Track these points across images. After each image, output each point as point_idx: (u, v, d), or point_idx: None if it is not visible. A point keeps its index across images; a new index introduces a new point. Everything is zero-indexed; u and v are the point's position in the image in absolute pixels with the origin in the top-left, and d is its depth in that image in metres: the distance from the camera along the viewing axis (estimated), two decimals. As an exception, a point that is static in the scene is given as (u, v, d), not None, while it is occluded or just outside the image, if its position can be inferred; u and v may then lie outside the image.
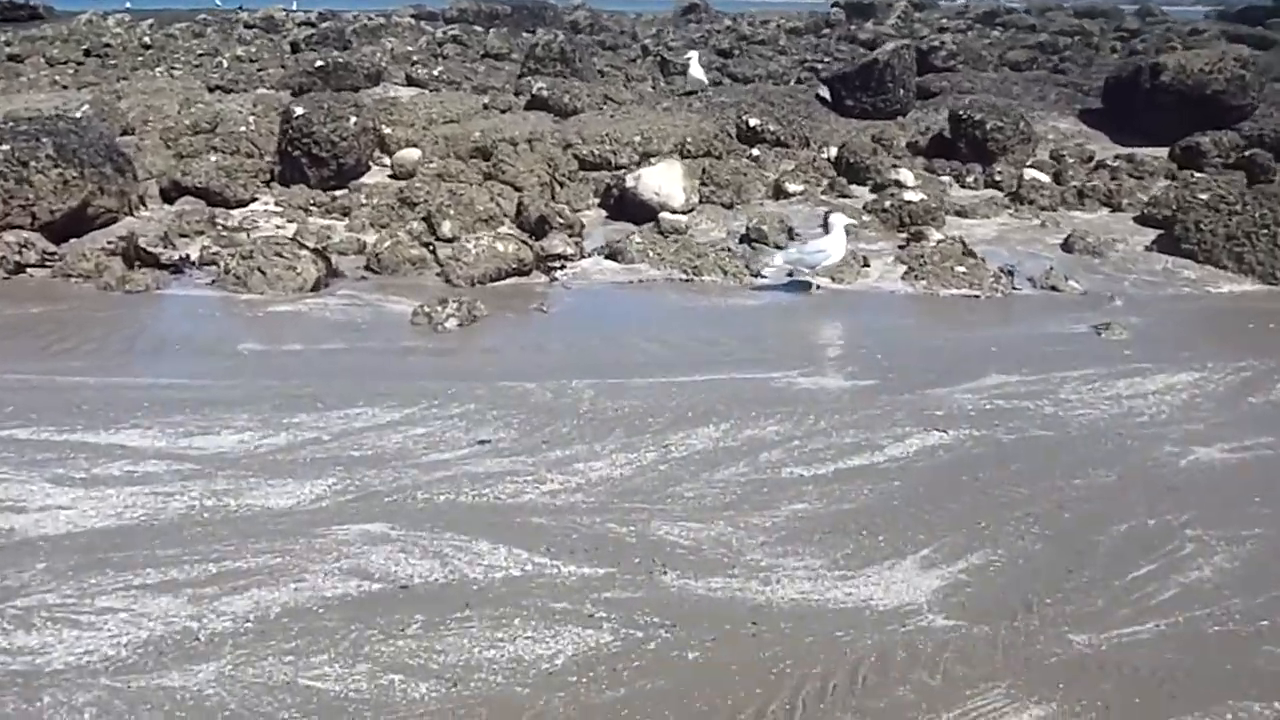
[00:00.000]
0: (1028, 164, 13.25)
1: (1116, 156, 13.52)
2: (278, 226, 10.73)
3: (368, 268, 9.29)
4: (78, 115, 13.38)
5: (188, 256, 9.53)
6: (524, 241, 9.31)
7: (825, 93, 16.31)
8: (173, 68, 19.42)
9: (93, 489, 5.17)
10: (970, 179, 12.81)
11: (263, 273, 8.68)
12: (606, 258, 9.64)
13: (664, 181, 11.06)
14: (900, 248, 9.79)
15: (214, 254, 9.49)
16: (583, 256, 9.73)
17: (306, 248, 9.02)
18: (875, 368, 6.90)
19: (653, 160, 12.60)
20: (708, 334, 7.55)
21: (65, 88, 17.61)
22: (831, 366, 6.93)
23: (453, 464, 5.48)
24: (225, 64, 19.55)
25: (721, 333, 7.58)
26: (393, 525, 4.84)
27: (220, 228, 10.56)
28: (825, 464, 5.50)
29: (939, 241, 9.30)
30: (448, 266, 8.98)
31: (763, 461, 5.53)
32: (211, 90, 16.57)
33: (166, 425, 5.91)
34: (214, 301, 8.43)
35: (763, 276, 8.70)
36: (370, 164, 12.71)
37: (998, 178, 12.71)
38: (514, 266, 9.01)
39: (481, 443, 5.73)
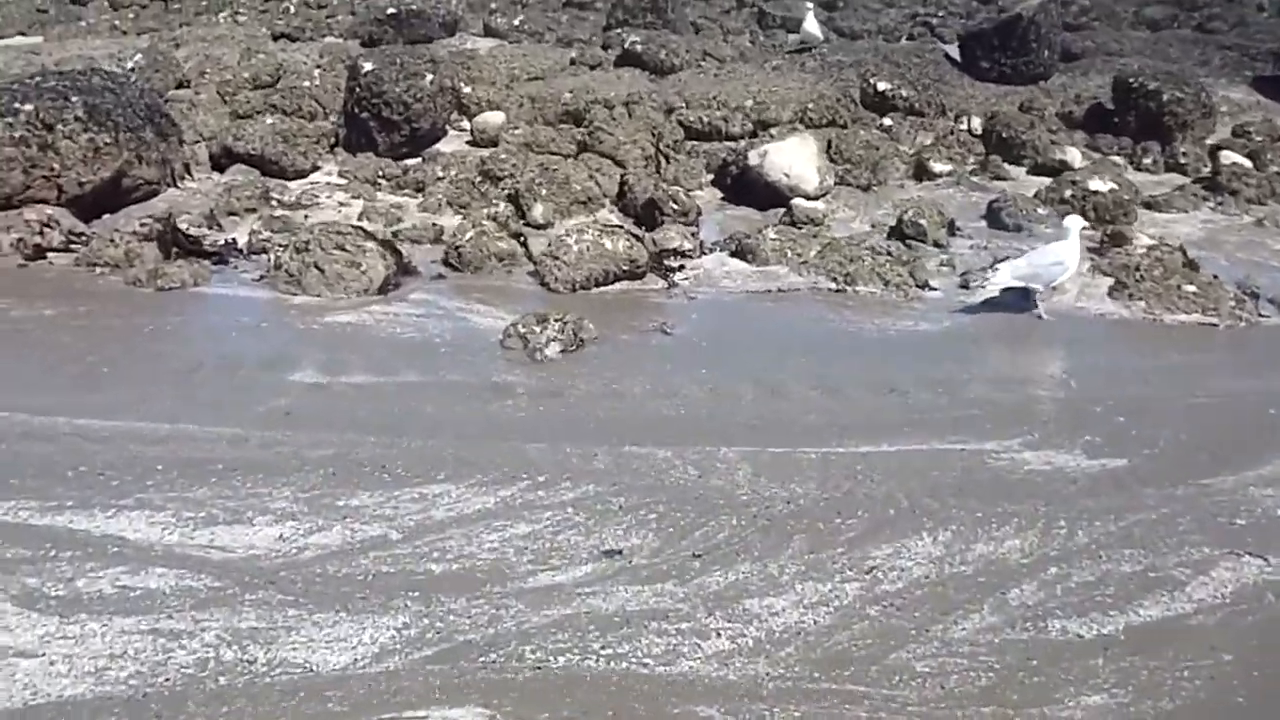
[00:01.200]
0: (1209, 142, 11.24)
1: (1318, 135, 11.41)
2: (341, 204, 9.17)
3: (446, 262, 7.69)
4: (129, 65, 11.96)
5: (234, 242, 8.00)
6: (635, 236, 7.62)
7: (954, 52, 14.26)
8: (238, 12, 17.89)
9: (70, 620, 3.66)
10: (1148, 160, 10.83)
11: (321, 270, 7.12)
12: (733, 255, 7.93)
13: (795, 160, 9.29)
14: (1095, 253, 7.94)
15: (265, 240, 7.95)
16: (703, 252, 8.03)
17: (373, 238, 7.44)
18: (1121, 437, 5.15)
19: (773, 132, 10.82)
20: (884, 375, 5.83)
21: (125, 33, 16.23)
22: (1061, 433, 5.19)
23: (572, 593, 3.88)
24: (292, 8, 17.99)
25: (901, 373, 5.86)
26: (494, 713, 3.26)
27: (275, 204, 9.03)
28: (1109, 615, 3.80)
29: (1150, 248, 7.43)
30: (544, 266, 7.34)
31: (1015, 606, 3.85)
32: (276, 39, 15.03)
33: (184, 505, 4.39)
34: (262, 306, 6.89)
35: (979, 289, 6.89)
36: (447, 128, 11.09)
37: (1181, 159, 10.72)
38: (624, 268, 7.34)
39: (610, 554, 4.12)
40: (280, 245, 7.50)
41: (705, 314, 6.83)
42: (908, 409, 5.45)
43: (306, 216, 8.68)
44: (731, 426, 5.21)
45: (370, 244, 7.30)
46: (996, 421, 5.30)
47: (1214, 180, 9.86)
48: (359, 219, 8.73)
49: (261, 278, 7.31)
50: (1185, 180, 10.23)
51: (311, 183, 9.68)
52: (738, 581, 3.96)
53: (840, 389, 5.66)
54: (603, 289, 7.27)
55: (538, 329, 6.18)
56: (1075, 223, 6.82)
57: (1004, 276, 6.77)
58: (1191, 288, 6.96)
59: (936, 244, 8.15)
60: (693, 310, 6.90)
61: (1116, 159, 10.85)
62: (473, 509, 4.43)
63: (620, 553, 4.14)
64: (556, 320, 6.23)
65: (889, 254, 7.55)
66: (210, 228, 8.42)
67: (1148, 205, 9.29)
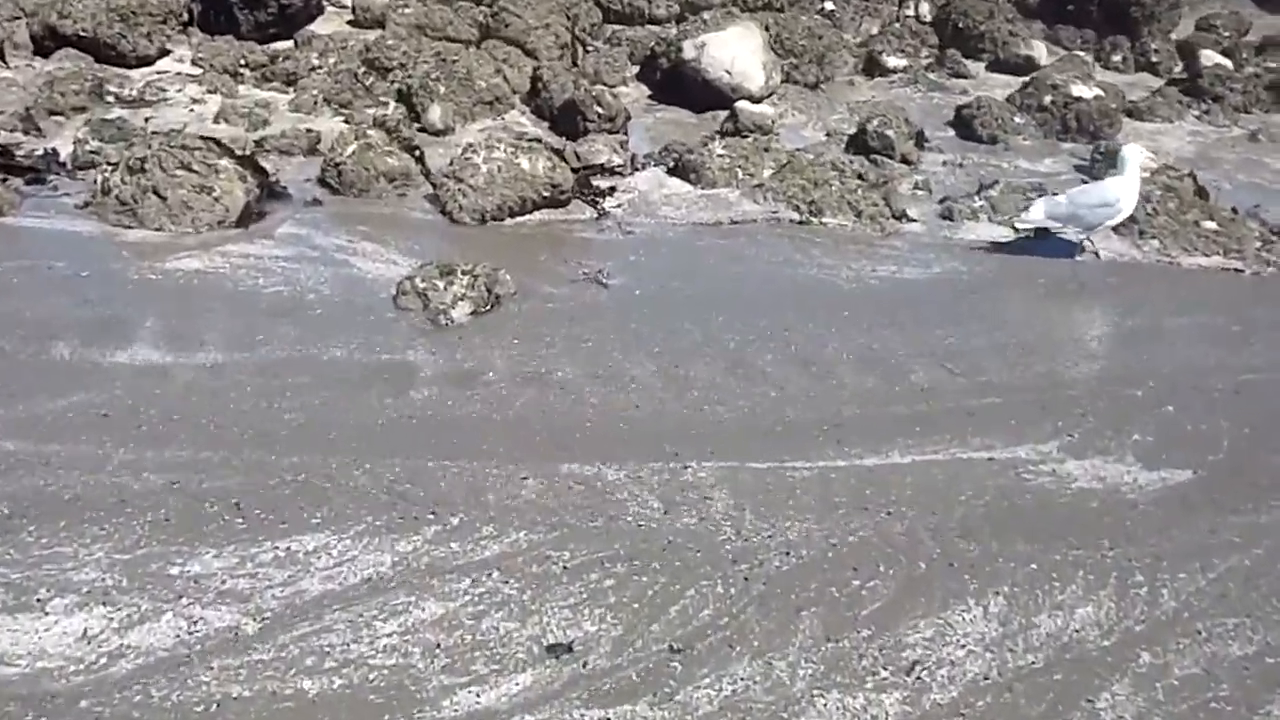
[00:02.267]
0: (1174, 37, 10.24)
1: (1296, 31, 10.48)
2: (194, 100, 7.58)
3: (323, 181, 6.26)
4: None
5: (55, 153, 6.42)
6: (556, 153, 6.27)
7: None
8: None
9: None
10: (1116, 58, 9.80)
11: (162, 197, 5.64)
12: (671, 173, 6.67)
13: (738, 54, 7.98)
14: (1087, 174, 6.90)
15: (94, 152, 6.38)
16: (634, 168, 6.74)
17: (230, 154, 5.94)
18: (1176, 434, 4.17)
19: (705, 16, 9.39)
20: (874, 344, 4.74)
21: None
22: (1104, 430, 4.18)
23: (506, 725, 2.73)
24: None
25: (895, 342, 4.77)
26: None
27: (111, 100, 7.39)
28: (1236, 738, 2.82)
29: (1156, 172, 6.40)
30: (445, 191, 5.96)
31: (1112, 724, 2.84)
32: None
33: (-60, 580, 3.08)
34: (85, 245, 5.41)
35: (1020, 227, 5.76)
36: (323, 4, 9.40)
37: (1153, 57, 9.72)
38: (544, 195, 6.01)
39: (555, 651, 2.97)
40: (111, 163, 5.95)
41: (647, 255, 5.59)
42: (912, 395, 4.36)
43: (149, 120, 7.08)
44: (698, 428, 4.05)
45: (226, 162, 5.82)
46: (1023, 414, 4.25)
47: (1195, 84, 8.86)
48: (215, 121, 7.17)
49: (87, 204, 5.78)
50: (1159, 82, 9.25)
51: (158, 72, 8.01)
52: (736, 696, 2.86)
53: (824, 365, 4.54)
54: (519, 220, 5.95)
55: (441, 284, 4.87)
56: (1135, 154, 5.60)
57: (1037, 215, 5.65)
58: (1211, 224, 5.98)
59: (905, 159, 7.00)
60: (631, 250, 5.65)
61: (1081, 54, 9.77)
62: (361, 576, 3.21)
63: (570, 648, 2.99)
64: (465, 273, 4.92)
65: (859, 176, 6.36)
66: (26, 132, 6.82)
67: (1128, 113, 8.26)
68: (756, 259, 5.59)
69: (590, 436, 3.96)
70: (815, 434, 4.06)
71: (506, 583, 3.21)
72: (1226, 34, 10.37)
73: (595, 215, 6.07)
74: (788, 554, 3.40)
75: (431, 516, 3.48)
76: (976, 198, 6.25)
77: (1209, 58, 9.22)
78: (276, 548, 3.31)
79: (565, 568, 3.29)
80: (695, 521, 3.53)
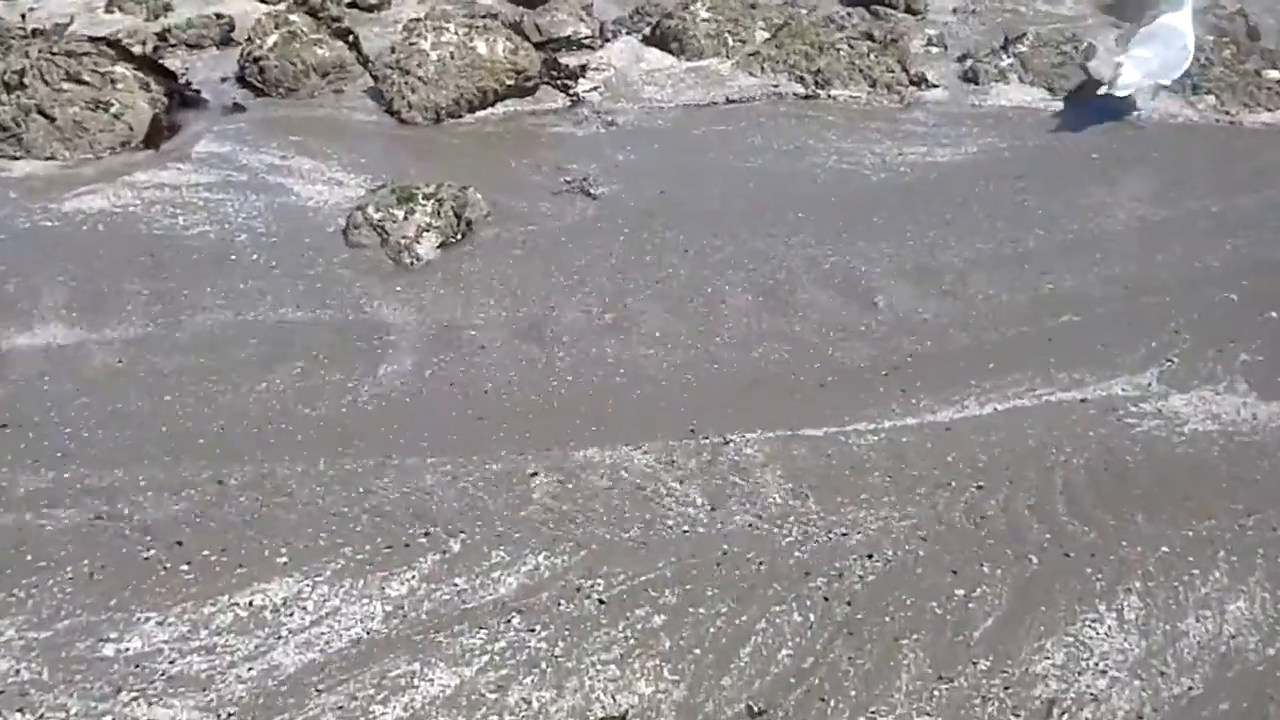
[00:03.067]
0: None
1: None
2: (78, -18, 6.42)
3: (243, 80, 5.30)
4: None
5: (-86, 64, 5.34)
6: (517, 32, 5.35)
7: None
8: None
9: None
10: None
11: (49, 117, 4.69)
12: (649, 42, 5.77)
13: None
14: (1115, 18, 6.08)
15: (-38, 59, 5.32)
16: (604, 38, 5.83)
17: (129, 57, 4.97)
18: (1284, 353, 3.54)
19: None
20: (918, 251, 4.04)
21: None
22: (1204, 350, 3.55)
23: None
24: None
25: (946, 248, 4.08)
26: None
27: (-22, -12, 6.24)
28: None
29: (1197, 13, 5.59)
30: (389, 85, 5.04)
31: (1303, 773, 2.29)
32: None
33: None
34: (-42, 184, 4.49)
35: (1116, 89, 4.90)
36: None
37: None
38: (508, 83, 5.12)
39: (605, 731, 2.35)
40: (-19, 74, 4.94)
41: (636, 152, 4.76)
42: (975, 319, 3.68)
43: (28, 12, 5.98)
44: (732, 386, 3.37)
45: (123, 69, 4.85)
46: (1108, 334, 3.60)
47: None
48: (109, 10, 6.10)
49: (-42, 129, 4.81)
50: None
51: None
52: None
53: (867, 287, 3.83)
54: (480, 115, 5.07)
55: (400, 213, 4.05)
56: None
57: (1131, 78, 4.84)
58: (1274, 73, 5.23)
59: (911, 8, 6.14)
60: (616, 146, 4.81)
61: None
62: (347, 638, 2.54)
63: (624, 719, 2.38)
64: (428, 197, 4.09)
65: (868, 37, 5.49)
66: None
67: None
68: (764, 149, 4.78)
69: (605, 408, 3.26)
70: (874, 382, 3.38)
71: (532, 631, 2.56)
72: None
73: (568, 103, 5.20)
74: (869, 557, 2.77)
75: (424, 540, 2.80)
76: (1004, 55, 5.44)
77: None
78: (236, 604, 2.62)
79: (602, 602, 2.64)
80: (751, 520, 2.88)
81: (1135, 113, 4.97)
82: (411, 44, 5.07)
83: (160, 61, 5.22)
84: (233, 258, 3.97)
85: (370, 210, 4.05)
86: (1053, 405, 3.31)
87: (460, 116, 5.03)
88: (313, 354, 3.47)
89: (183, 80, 5.19)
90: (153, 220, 4.21)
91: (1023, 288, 3.85)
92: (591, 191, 4.41)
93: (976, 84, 5.35)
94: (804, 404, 3.29)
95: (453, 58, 5.02)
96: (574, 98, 5.21)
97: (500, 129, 4.97)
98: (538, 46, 5.51)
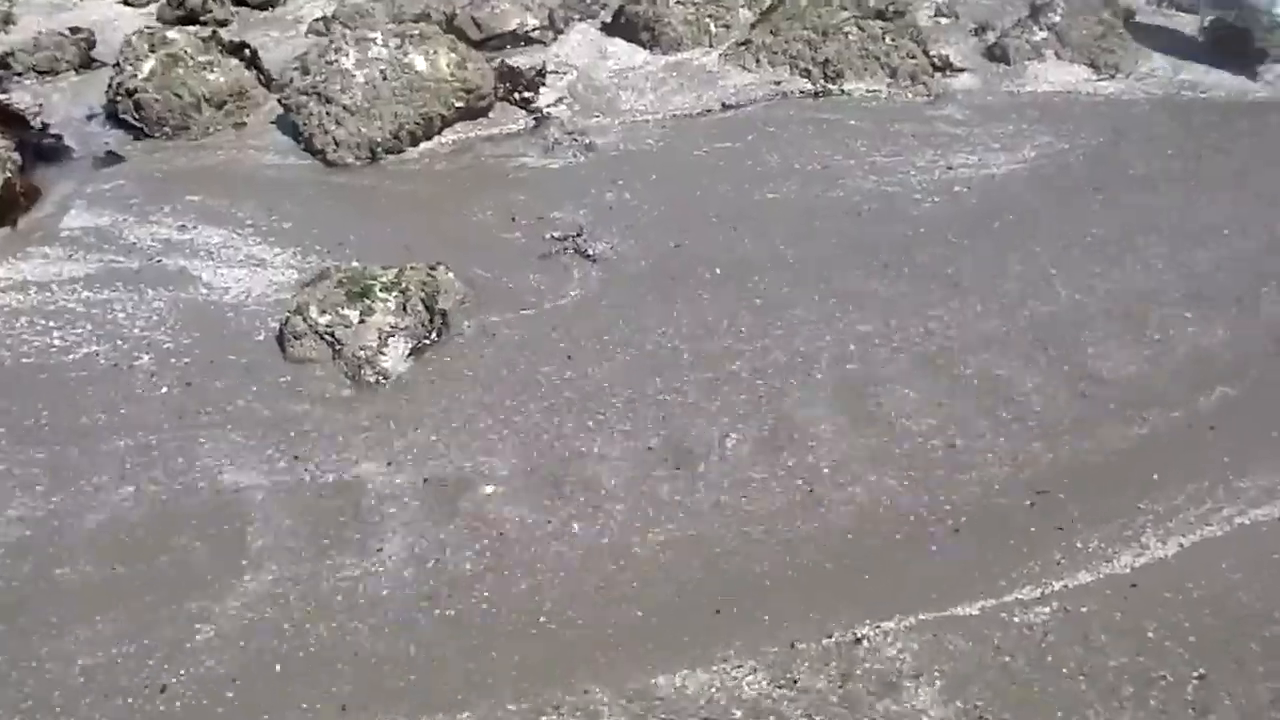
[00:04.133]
0: None
1: None
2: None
3: (116, 118, 4.22)
4: None
5: None
6: (460, 37, 4.34)
7: None
8: None
9: None
10: None
11: None
12: (610, 31, 4.82)
13: None
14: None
15: None
16: (556, 28, 4.85)
17: (-42, 105, 3.84)
18: None
19: None
20: (1027, 309, 3.22)
21: None
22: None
23: None
24: None
25: (1047, 297, 3.27)
26: None
27: None
28: None
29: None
30: (308, 118, 4.02)
31: None
32: None
33: None
34: None
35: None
36: None
37: None
38: (456, 106, 4.13)
39: None
40: None
41: (630, 185, 3.84)
42: (1110, 405, 2.89)
43: None
44: (841, 540, 2.53)
45: (-47, 124, 3.72)
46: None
47: None
48: (-72, 28, 4.89)
49: None
50: None
51: None
52: None
53: (964, 368, 3.01)
54: (424, 147, 4.08)
55: (354, 312, 3.08)
56: None
57: None
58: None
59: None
60: (603, 178, 3.88)
61: None
62: None
63: None
64: (388, 288, 3.13)
65: (879, 15, 4.61)
66: None
67: None
68: (784, 171, 3.90)
69: (681, 605, 2.40)
70: (1019, 517, 2.59)
71: None
72: None
73: (531, 122, 4.23)
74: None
75: None
76: (1035, 26, 4.62)
77: None
78: None
79: None
80: (926, 779, 2.07)
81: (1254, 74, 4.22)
82: (330, 62, 4.04)
83: (3, 101, 4.09)
84: (123, 396, 2.96)
85: (314, 313, 3.07)
86: (1247, 532, 2.55)
87: (402, 151, 4.03)
88: (252, 558, 2.52)
89: (36, 124, 4.09)
90: (17, 341, 3.17)
91: (1155, 354, 3.07)
92: (588, 251, 3.48)
93: (1007, 63, 4.54)
94: (941, 564, 2.47)
95: (385, 78, 4.00)
96: (537, 115, 4.25)
97: (455, 165, 3.99)
98: (478, 45, 4.52)
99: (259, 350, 3.11)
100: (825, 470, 2.70)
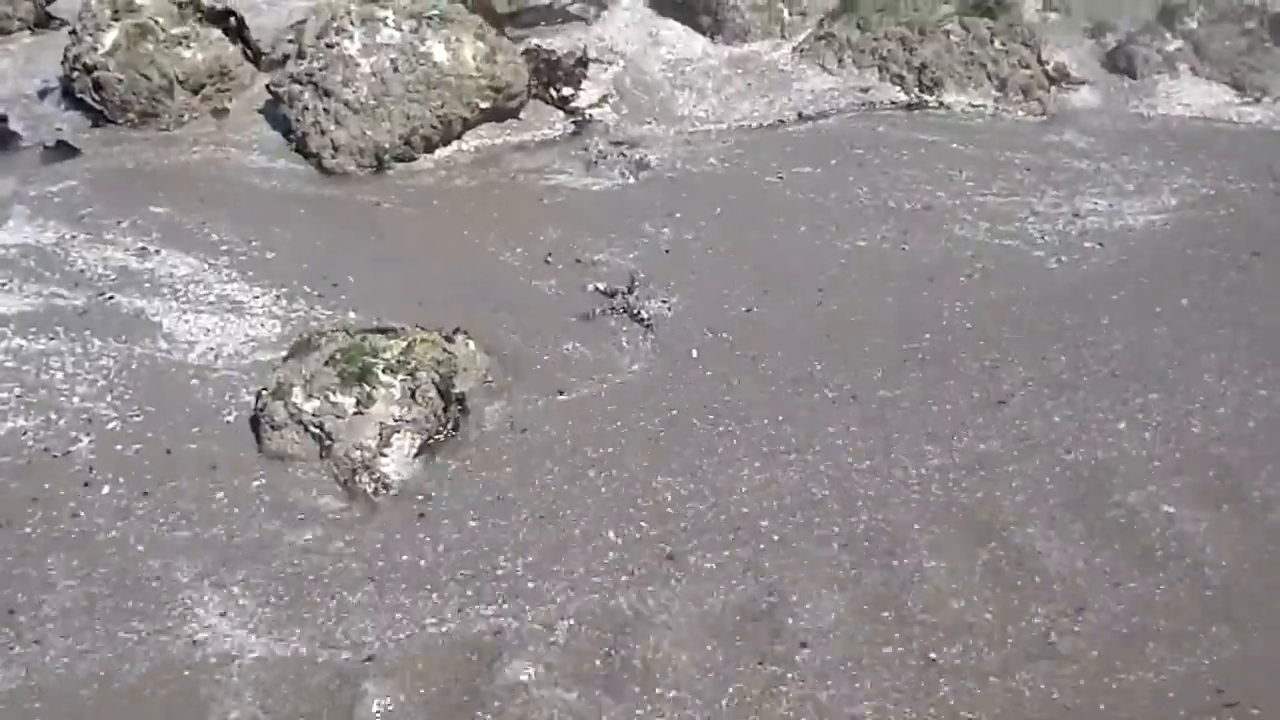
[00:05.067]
0: None
1: None
2: None
3: (73, 95, 3.52)
4: None
5: None
6: (489, 16, 3.61)
7: None
8: None
9: None
10: None
11: None
12: (662, 8, 4.09)
13: None
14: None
15: None
16: (596, 2, 4.12)
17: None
18: None
19: None
20: (1202, 442, 2.56)
21: None
22: None
23: None
24: None
25: (1237, 435, 2.60)
26: None
27: None
28: None
29: None
30: (304, 114, 3.32)
31: None
32: None
33: None
34: None
35: None
36: None
37: None
38: (481, 106, 3.42)
39: None
40: None
41: (689, 219, 3.17)
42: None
43: None
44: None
45: None
46: None
47: None
48: None
49: None
50: None
51: None
52: None
53: (1130, 518, 2.36)
54: (441, 155, 3.39)
55: (349, 399, 2.42)
56: None
57: None
58: None
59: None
60: (657, 208, 3.20)
61: None
62: None
63: None
64: (392, 369, 2.47)
65: (979, 6, 3.88)
66: None
67: None
68: (876, 208, 3.23)
69: None
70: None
71: None
72: None
73: (570, 126, 3.53)
74: None
75: None
76: (1166, 34, 3.90)
77: None
78: None
79: None
80: None
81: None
82: (330, 45, 3.32)
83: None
84: (74, 493, 2.32)
85: (298, 397, 2.41)
86: None
87: (413, 159, 3.34)
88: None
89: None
90: (-74, 405, 2.52)
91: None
92: (640, 313, 2.82)
93: (1133, 77, 3.84)
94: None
95: (396, 69, 3.29)
96: (577, 118, 3.55)
97: (477, 181, 3.30)
98: (507, 21, 3.80)
99: (228, 437, 2.47)
100: (959, 659, 2.07)
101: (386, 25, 3.32)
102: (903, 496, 2.37)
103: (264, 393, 2.45)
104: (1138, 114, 3.71)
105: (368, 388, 2.42)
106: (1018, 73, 3.70)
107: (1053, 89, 3.73)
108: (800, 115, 3.61)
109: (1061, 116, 3.68)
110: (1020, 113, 3.66)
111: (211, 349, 2.69)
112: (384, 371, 2.45)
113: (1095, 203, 3.28)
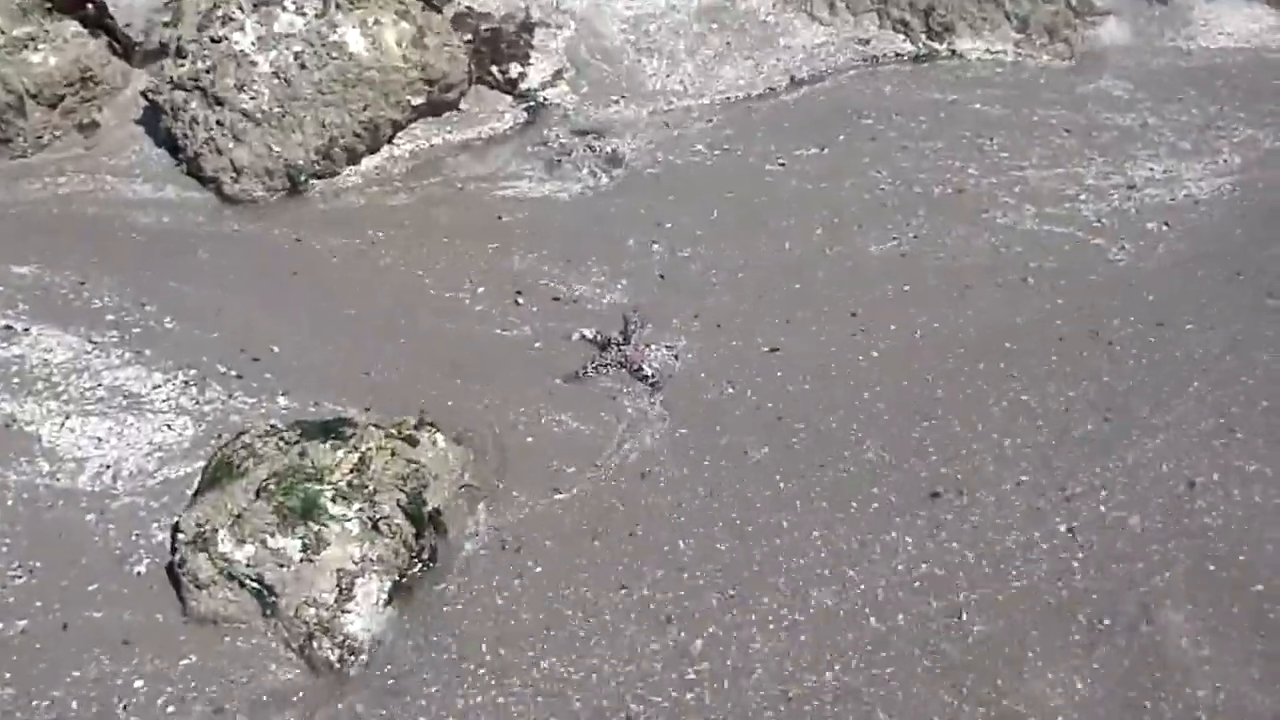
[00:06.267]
0: None
1: None
2: None
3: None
4: None
5: None
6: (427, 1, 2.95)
7: None
8: None
9: None
10: None
11: None
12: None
13: None
14: None
15: None
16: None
17: None
18: None
19: None
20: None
21: None
22: None
23: None
24: None
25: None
26: None
27: None
28: None
29: None
30: (193, 129, 2.67)
31: None
32: None
33: None
34: None
35: None
36: None
37: None
38: (413, 103, 2.79)
39: None
40: None
41: (680, 229, 2.62)
42: None
43: None
44: None
45: None
46: None
47: None
48: None
49: None
50: None
51: None
52: None
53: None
54: (369, 164, 2.78)
55: (294, 541, 1.87)
56: None
57: None
58: None
59: None
60: (640, 218, 2.64)
61: None
62: None
63: None
64: (344, 496, 1.92)
65: (984, -71, 3.31)
66: None
67: None
68: (899, 194, 2.70)
69: None
70: None
71: None
72: None
73: (522, 114, 2.93)
74: None
75: None
76: (1197, -54, 3.37)
77: None
78: None
79: None
80: None
81: None
82: (216, 39, 2.66)
83: None
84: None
85: (225, 544, 1.86)
86: None
87: (335, 175, 2.73)
88: None
89: None
90: None
91: None
92: (642, 368, 2.28)
93: (1164, 3, 3.31)
94: None
95: (304, 66, 2.65)
96: (529, 103, 2.94)
97: (417, 197, 2.70)
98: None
99: (141, 597, 1.92)
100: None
101: (285, 10, 2.66)
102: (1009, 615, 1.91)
103: (180, 539, 1.90)
104: (1175, 48, 3.21)
105: (315, 526, 1.87)
106: (1040, 8, 3.16)
107: (1077, 23, 3.20)
108: (793, 79, 3.04)
109: (1091, 58, 3.16)
110: (1045, 57, 3.13)
111: (107, 467, 2.11)
112: (334, 501, 1.90)
113: (1150, 169, 2.79)
